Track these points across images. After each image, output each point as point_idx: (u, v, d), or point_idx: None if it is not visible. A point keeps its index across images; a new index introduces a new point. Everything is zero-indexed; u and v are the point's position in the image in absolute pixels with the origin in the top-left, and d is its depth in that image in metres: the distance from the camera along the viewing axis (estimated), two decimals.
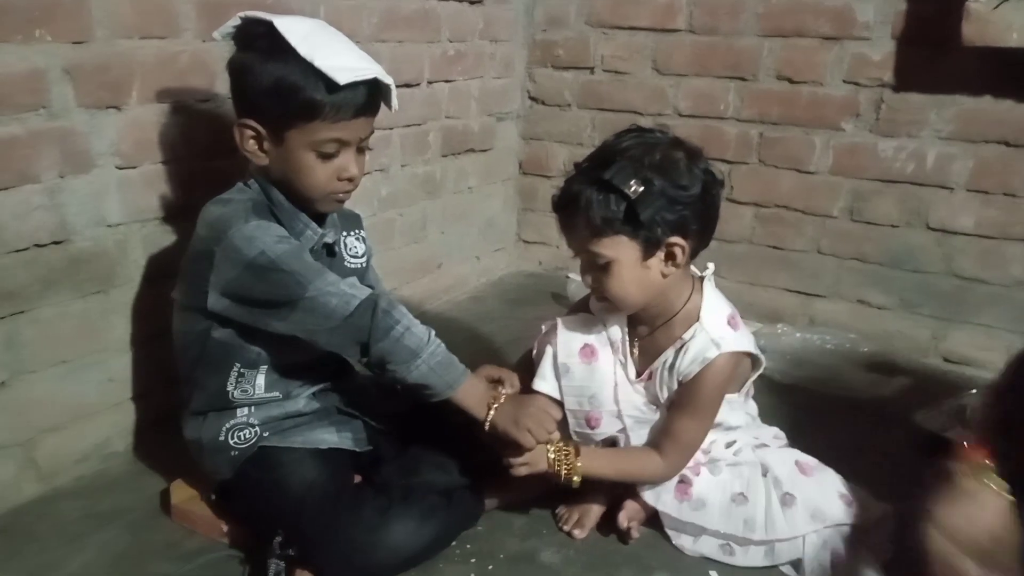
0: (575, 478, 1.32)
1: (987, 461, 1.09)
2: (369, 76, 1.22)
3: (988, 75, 1.95)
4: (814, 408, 1.85)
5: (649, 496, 1.37)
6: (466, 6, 2.27)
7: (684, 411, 1.35)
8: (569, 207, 1.28)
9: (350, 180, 1.28)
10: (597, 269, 1.30)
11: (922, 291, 2.14)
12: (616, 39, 2.42)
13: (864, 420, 1.82)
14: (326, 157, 1.25)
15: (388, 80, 1.26)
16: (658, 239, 1.26)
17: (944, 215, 2.08)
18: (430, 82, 2.19)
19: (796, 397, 1.90)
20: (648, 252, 1.28)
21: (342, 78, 1.18)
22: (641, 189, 1.23)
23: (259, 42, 1.22)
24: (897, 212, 2.14)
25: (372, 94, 1.26)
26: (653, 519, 1.40)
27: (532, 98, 2.62)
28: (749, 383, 1.43)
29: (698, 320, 1.34)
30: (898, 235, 2.15)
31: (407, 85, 2.11)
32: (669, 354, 1.36)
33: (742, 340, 1.35)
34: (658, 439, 1.37)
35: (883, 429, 1.78)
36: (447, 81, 2.26)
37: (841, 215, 2.21)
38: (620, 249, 1.27)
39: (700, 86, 2.32)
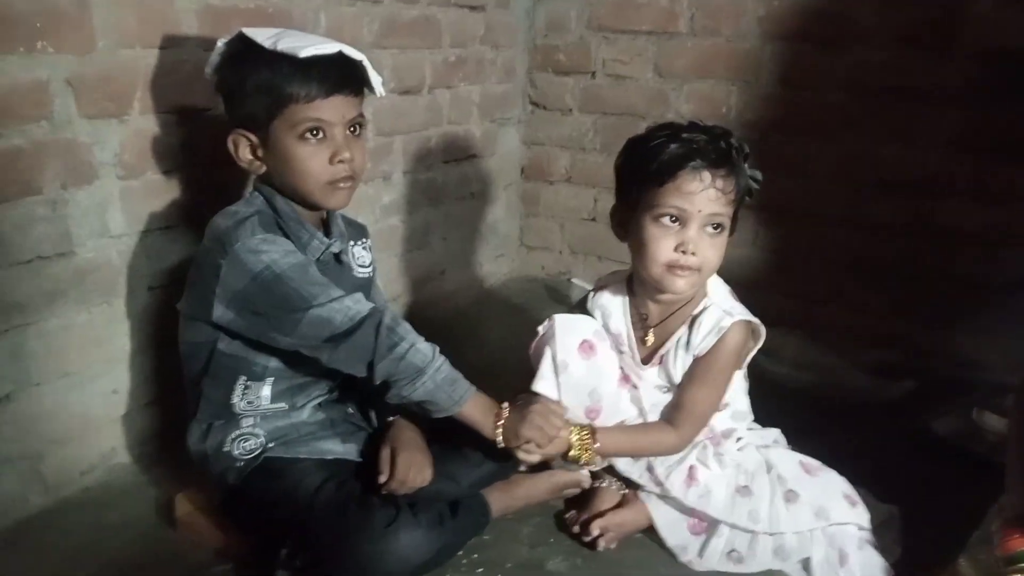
0: (594, 457, 1.34)
1: None
2: (332, 51, 1.23)
3: (989, 78, 1.95)
4: (818, 412, 1.84)
5: (661, 472, 1.38)
6: (467, 12, 2.26)
7: (699, 382, 1.37)
8: (724, 164, 1.28)
9: (345, 163, 1.27)
10: (706, 235, 1.30)
11: (925, 294, 2.14)
12: (617, 43, 2.41)
13: (868, 424, 1.81)
14: (314, 142, 1.25)
15: (357, 56, 1.26)
16: (737, 217, 1.34)
17: (946, 219, 2.08)
18: (431, 88, 2.19)
19: (800, 401, 1.89)
20: (733, 229, 1.34)
21: (303, 54, 1.20)
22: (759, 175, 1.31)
23: (233, 54, 1.25)
24: (899, 216, 2.13)
25: (345, 73, 1.26)
26: (655, 531, 1.40)
27: (534, 103, 2.61)
28: (750, 358, 1.44)
29: (706, 295, 1.38)
30: (900, 239, 2.15)
31: (408, 92, 2.11)
32: (683, 331, 1.38)
33: (746, 310, 1.38)
34: (671, 413, 1.40)
35: (888, 432, 1.77)
36: (448, 87, 2.26)
37: (843, 218, 2.21)
38: (730, 217, 1.32)
39: (702, 89, 2.32)
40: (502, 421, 1.30)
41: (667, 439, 1.39)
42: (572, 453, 1.34)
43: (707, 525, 1.37)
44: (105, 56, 1.38)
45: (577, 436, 1.34)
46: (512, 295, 2.60)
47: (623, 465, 1.43)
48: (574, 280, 2.56)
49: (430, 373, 1.24)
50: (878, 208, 2.16)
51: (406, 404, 1.28)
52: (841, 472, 1.42)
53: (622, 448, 1.39)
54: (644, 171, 1.30)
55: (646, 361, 1.43)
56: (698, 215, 1.28)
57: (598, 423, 1.40)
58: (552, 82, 2.55)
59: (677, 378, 1.40)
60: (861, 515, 1.36)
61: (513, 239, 2.74)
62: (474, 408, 1.29)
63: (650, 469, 1.40)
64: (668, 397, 1.43)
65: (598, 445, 1.34)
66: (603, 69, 2.46)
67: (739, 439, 1.45)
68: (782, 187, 2.25)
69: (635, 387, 1.44)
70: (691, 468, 1.38)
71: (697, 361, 1.38)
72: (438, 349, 1.27)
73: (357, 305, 1.23)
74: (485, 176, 2.51)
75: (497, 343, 2.15)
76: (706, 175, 1.26)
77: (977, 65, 1.95)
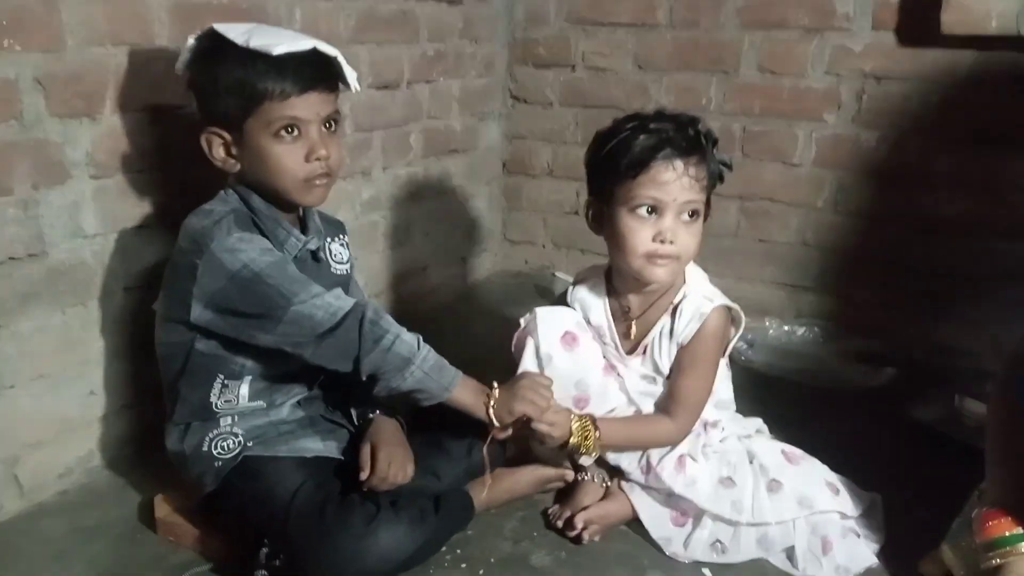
0: (593, 448, 1.34)
1: (1015, 528, 1.12)
2: (306, 47, 1.22)
3: (969, 66, 1.96)
4: (802, 400, 1.85)
5: (654, 457, 1.38)
6: (445, 6, 2.25)
7: (687, 371, 1.38)
8: (695, 151, 1.28)
9: (321, 160, 1.26)
10: (682, 223, 1.30)
11: (907, 283, 2.14)
12: (597, 36, 2.41)
13: (853, 412, 1.82)
14: (289, 140, 1.24)
15: (332, 52, 1.25)
16: (710, 203, 1.34)
17: (928, 207, 2.08)
18: (410, 83, 2.18)
19: (784, 390, 1.90)
20: (707, 213, 1.34)
21: (276, 51, 1.18)
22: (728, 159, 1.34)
23: (205, 51, 1.24)
24: (881, 204, 2.14)
25: (320, 69, 1.25)
26: (639, 524, 1.40)
27: (514, 97, 2.60)
28: (732, 344, 1.44)
29: (684, 283, 1.38)
30: (882, 227, 2.15)
31: (386, 87, 2.09)
32: (665, 320, 1.38)
33: (725, 297, 1.39)
34: (666, 404, 1.40)
35: (872, 420, 1.78)
36: (427, 82, 2.24)
37: (826, 207, 2.21)
38: (704, 204, 1.32)
39: (682, 81, 2.31)
40: (493, 401, 1.29)
41: (665, 430, 1.38)
42: (573, 441, 1.33)
43: (690, 517, 1.37)
44: (74, 54, 1.36)
45: (579, 424, 1.33)
46: (495, 290, 2.59)
47: (612, 454, 1.42)
48: (557, 274, 2.55)
49: (417, 362, 1.23)
50: (861, 196, 2.16)
51: (393, 396, 1.27)
52: (823, 460, 1.42)
53: (622, 437, 1.39)
54: (616, 165, 1.29)
55: (630, 352, 1.43)
56: (673, 204, 1.28)
57: (587, 411, 1.40)
58: (532, 76, 2.55)
59: (664, 367, 1.40)
60: (844, 503, 1.36)
61: (496, 234, 2.73)
62: (464, 392, 1.29)
63: (642, 455, 1.40)
64: (655, 387, 1.42)
65: (598, 434, 1.33)
66: (583, 62, 2.45)
67: (722, 429, 1.44)
68: (764, 176, 2.26)
69: (620, 376, 1.44)
70: (681, 457, 1.38)
71: (683, 350, 1.38)
72: (422, 338, 1.27)
73: (338, 301, 1.22)
74: (466, 171, 2.50)
75: (481, 338, 2.14)
76: (678, 164, 1.27)
77: (959, 52, 1.95)
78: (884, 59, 2.05)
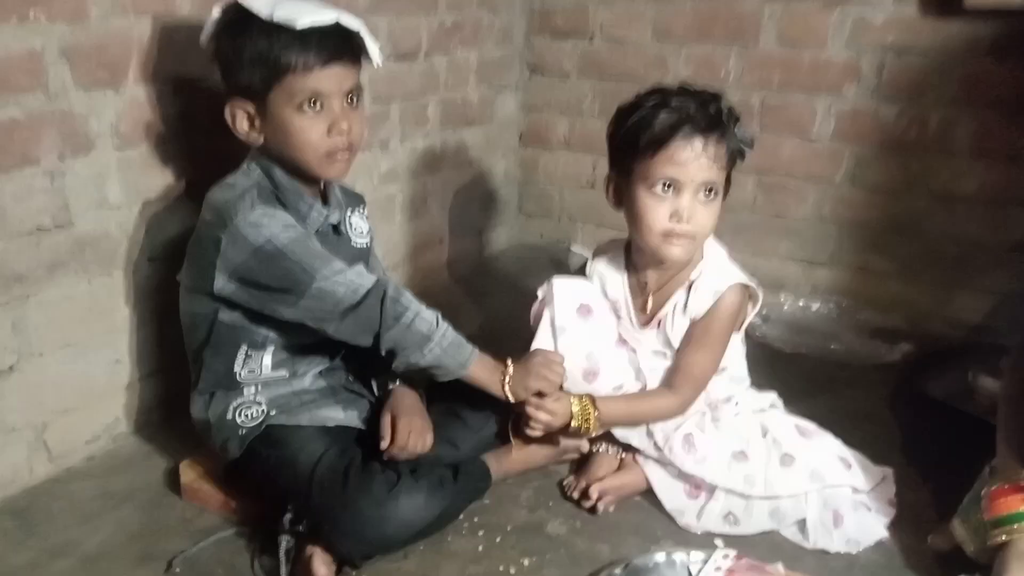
0: (593, 428, 1.36)
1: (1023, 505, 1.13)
2: (330, 20, 1.22)
3: (991, 38, 1.93)
4: (817, 375, 1.85)
5: (659, 438, 1.40)
6: None
7: (696, 345, 1.38)
8: (715, 129, 1.28)
9: (343, 134, 1.27)
10: (699, 202, 1.30)
11: (925, 256, 2.14)
12: (615, 6, 2.38)
13: (867, 387, 1.83)
14: (312, 114, 1.25)
15: (355, 25, 1.25)
16: (730, 181, 1.34)
17: (946, 179, 2.07)
18: (428, 54, 2.17)
19: (798, 365, 1.91)
20: (727, 191, 1.34)
21: (300, 24, 1.19)
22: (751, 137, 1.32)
23: (229, 22, 1.24)
24: (899, 177, 2.13)
25: (342, 42, 1.25)
26: (653, 495, 1.42)
27: (531, 68, 2.59)
28: (747, 321, 1.44)
29: (703, 259, 1.39)
30: (900, 201, 2.14)
31: (404, 58, 2.09)
32: (680, 295, 1.39)
33: (743, 274, 1.39)
34: (670, 377, 1.41)
35: (886, 395, 1.79)
36: (445, 53, 2.24)
37: (843, 181, 2.20)
38: (723, 182, 1.32)
39: (701, 52, 2.29)
40: (508, 378, 1.32)
41: (666, 403, 1.40)
42: (574, 424, 1.35)
43: (703, 490, 1.39)
44: (99, 24, 1.37)
45: (579, 406, 1.35)
46: (511, 263, 2.60)
47: (621, 431, 1.45)
48: (573, 248, 2.56)
49: (436, 339, 1.26)
50: (879, 170, 2.15)
51: (411, 370, 1.30)
52: (837, 435, 1.43)
53: (622, 414, 1.40)
54: (635, 141, 1.29)
55: (644, 325, 1.44)
56: (691, 183, 1.28)
57: (596, 385, 1.42)
58: (550, 46, 2.53)
59: (675, 342, 1.41)
60: (855, 478, 1.37)
61: (511, 206, 2.73)
62: (480, 369, 1.32)
63: (649, 435, 1.42)
64: (665, 363, 1.43)
65: (598, 412, 1.35)
66: (601, 33, 2.43)
67: (736, 404, 1.46)
68: (781, 151, 2.25)
69: (633, 351, 1.45)
70: (688, 435, 1.40)
71: (694, 324, 1.38)
72: (440, 315, 1.29)
73: (360, 278, 1.24)
74: (483, 143, 2.50)
75: (496, 312, 2.16)
76: (697, 143, 1.27)
77: (982, 24, 1.93)
78: (906, 31, 2.03)
